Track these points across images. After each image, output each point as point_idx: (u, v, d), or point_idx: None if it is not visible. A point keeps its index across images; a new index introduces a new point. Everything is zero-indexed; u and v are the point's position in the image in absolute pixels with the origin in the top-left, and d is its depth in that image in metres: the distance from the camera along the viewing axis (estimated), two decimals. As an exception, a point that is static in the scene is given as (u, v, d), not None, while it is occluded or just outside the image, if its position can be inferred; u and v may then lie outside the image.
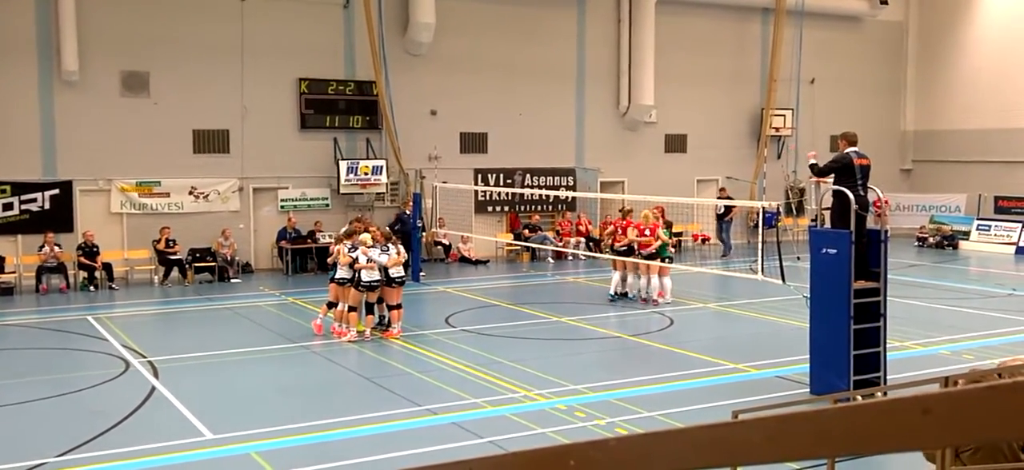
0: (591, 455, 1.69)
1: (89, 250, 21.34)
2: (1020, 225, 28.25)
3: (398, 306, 15.55)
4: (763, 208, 17.44)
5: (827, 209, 11.66)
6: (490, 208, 27.01)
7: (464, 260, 25.49)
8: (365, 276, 14.99)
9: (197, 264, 22.50)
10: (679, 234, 25.20)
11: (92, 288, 21.09)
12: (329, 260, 16.27)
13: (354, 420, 10.69)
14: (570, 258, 25.83)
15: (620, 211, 20.21)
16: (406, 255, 16.42)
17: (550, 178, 27.36)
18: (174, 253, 22.27)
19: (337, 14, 24.59)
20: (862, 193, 11.35)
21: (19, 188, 21.61)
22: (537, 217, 26.98)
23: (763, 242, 16.05)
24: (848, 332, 10.93)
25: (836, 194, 11.33)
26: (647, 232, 18.34)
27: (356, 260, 15.06)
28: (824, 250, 11.22)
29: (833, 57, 31.09)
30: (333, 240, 16.53)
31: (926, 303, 18.51)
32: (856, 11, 31.71)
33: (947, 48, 32.05)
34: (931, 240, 29.15)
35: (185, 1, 22.91)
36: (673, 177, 27.74)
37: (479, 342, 15.03)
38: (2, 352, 14.92)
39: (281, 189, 24.35)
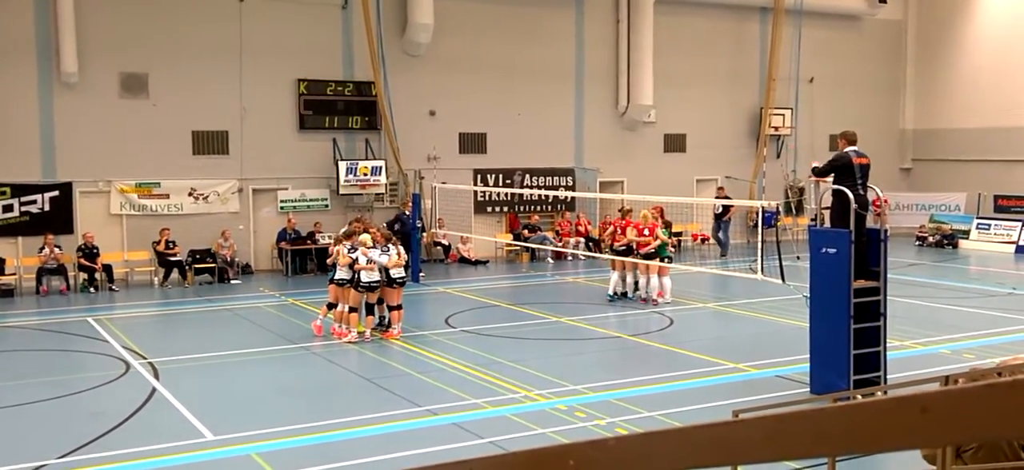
0: (590, 455, 1.70)
1: (89, 252, 21.33)
2: (1020, 224, 28.24)
3: (398, 307, 15.54)
4: (763, 208, 17.44)
5: (827, 208, 11.66)
6: (489, 208, 27.01)
7: (464, 261, 25.49)
8: (364, 277, 14.98)
9: (197, 265, 22.49)
10: (678, 234, 25.19)
11: (92, 290, 21.09)
12: (329, 261, 16.26)
13: (355, 421, 10.70)
14: (570, 258, 25.83)
15: (619, 211, 20.21)
16: (407, 256, 16.42)
17: (549, 178, 27.36)
18: (174, 254, 22.27)
19: (335, 15, 24.59)
20: (862, 192, 11.35)
21: (19, 190, 21.60)
22: (536, 217, 26.98)
23: (763, 242, 16.04)
24: (848, 331, 10.93)
25: (836, 193, 11.33)
26: (645, 232, 18.35)
27: (356, 261, 15.05)
28: (824, 249, 11.22)
29: (832, 56, 31.08)
30: (333, 241, 16.52)
31: (926, 302, 18.51)
32: (855, 10, 31.71)
33: (946, 47, 32.04)
34: (931, 239, 29.14)
35: (184, 2, 22.92)
36: (672, 177, 27.73)
37: (479, 342, 15.03)
38: (2, 354, 14.91)
39: (280, 190, 24.35)
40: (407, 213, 23.44)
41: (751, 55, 30.30)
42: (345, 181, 24.14)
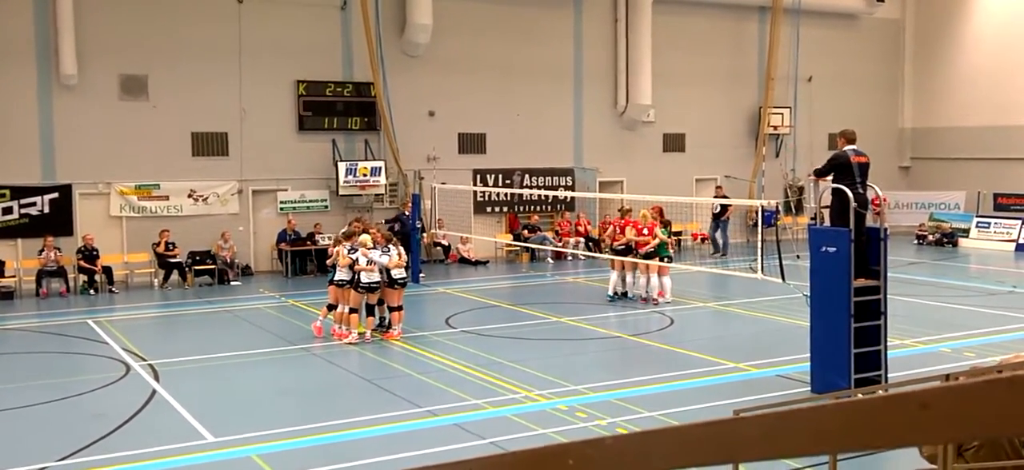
0: (589, 454, 1.69)
1: (89, 254, 21.32)
2: (1020, 222, 28.24)
3: (399, 308, 15.53)
4: (762, 207, 17.43)
5: (826, 207, 11.67)
6: (489, 209, 27.01)
7: (463, 261, 25.48)
8: (364, 278, 14.97)
9: (197, 267, 22.48)
10: (678, 233, 25.19)
11: (92, 292, 21.08)
12: (328, 262, 16.24)
13: (355, 422, 10.70)
14: (569, 258, 25.83)
15: (619, 211, 20.21)
16: (407, 257, 16.41)
17: (549, 178, 27.35)
18: (174, 256, 22.27)
19: (334, 16, 24.59)
20: (861, 191, 11.35)
21: (18, 192, 21.59)
22: (536, 217, 26.98)
23: (763, 241, 16.04)
24: (848, 330, 10.93)
25: (835, 192, 11.33)
26: (644, 231, 18.35)
27: (356, 262, 15.04)
28: (824, 248, 11.22)
29: (830, 55, 31.08)
30: (332, 242, 16.51)
31: (926, 301, 18.50)
32: (853, 9, 31.71)
33: (944, 45, 32.05)
34: (930, 238, 29.14)
35: (183, 4, 22.91)
36: (672, 176, 27.74)
37: (479, 343, 15.02)
38: (2, 356, 14.90)
39: (280, 191, 24.35)
40: (407, 214, 23.44)
41: (750, 54, 30.30)
42: (345, 182, 24.13)
